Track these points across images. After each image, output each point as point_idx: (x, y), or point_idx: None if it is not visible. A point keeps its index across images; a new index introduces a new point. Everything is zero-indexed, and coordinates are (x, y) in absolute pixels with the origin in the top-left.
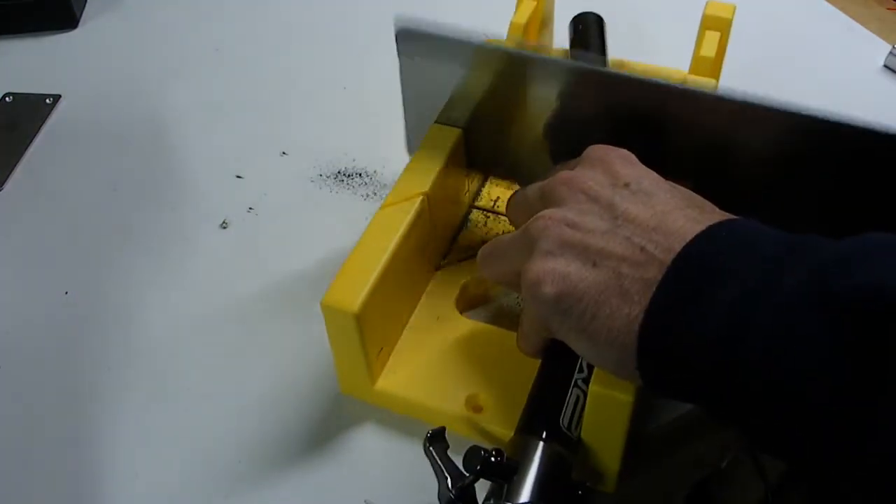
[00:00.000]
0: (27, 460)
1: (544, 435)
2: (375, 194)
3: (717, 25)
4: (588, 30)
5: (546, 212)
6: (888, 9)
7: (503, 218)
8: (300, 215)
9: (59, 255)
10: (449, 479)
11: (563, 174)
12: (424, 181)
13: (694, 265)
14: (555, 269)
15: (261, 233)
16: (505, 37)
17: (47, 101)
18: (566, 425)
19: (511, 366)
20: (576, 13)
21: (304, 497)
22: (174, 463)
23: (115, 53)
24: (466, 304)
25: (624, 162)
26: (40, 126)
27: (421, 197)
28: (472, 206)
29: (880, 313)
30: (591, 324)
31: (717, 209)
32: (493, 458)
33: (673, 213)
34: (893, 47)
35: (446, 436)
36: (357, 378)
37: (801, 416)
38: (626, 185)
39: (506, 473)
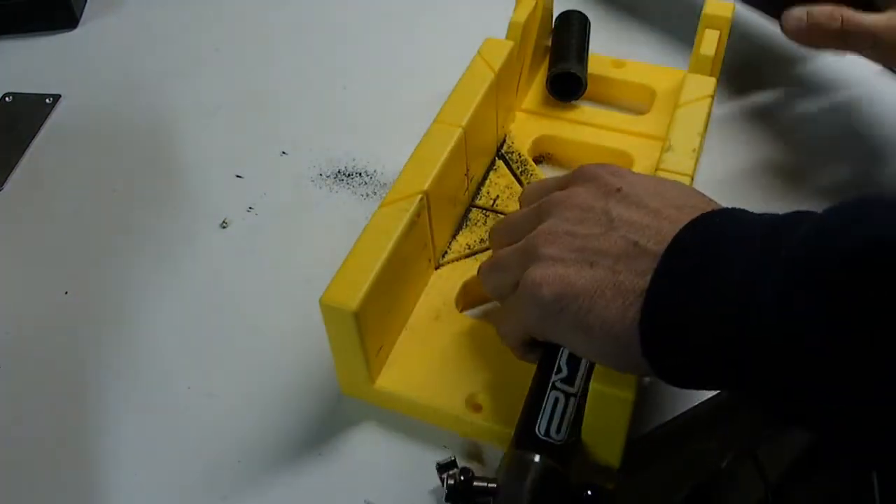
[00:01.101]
0: (27, 460)
1: (520, 445)
2: (375, 194)
3: (716, 24)
4: (570, 25)
5: (545, 224)
6: None
7: (502, 216)
8: (300, 215)
9: (59, 255)
10: None
11: (557, 195)
12: (424, 180)
13: (691, 247)
14: (555, 273)
15: (261, 233)
16: (505, 36)
17: (47, 101)
18: (543, 432)
19: (511, 364)
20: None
21: (304, 497)
22: (174, 463)
23: (115, 53)
24: (466, 303)
25: (614, 174)
26: (40, 126)
27: (420, 195)
28: (471, 205)
29: (882, 267)
30: (586, 318)
31: (714, 202)
32: (453, 482)
33: (666, 210)
34: None
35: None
36: (357, 377)
37: (809, 381)
38: (619, 190)
39: (478, 491)
